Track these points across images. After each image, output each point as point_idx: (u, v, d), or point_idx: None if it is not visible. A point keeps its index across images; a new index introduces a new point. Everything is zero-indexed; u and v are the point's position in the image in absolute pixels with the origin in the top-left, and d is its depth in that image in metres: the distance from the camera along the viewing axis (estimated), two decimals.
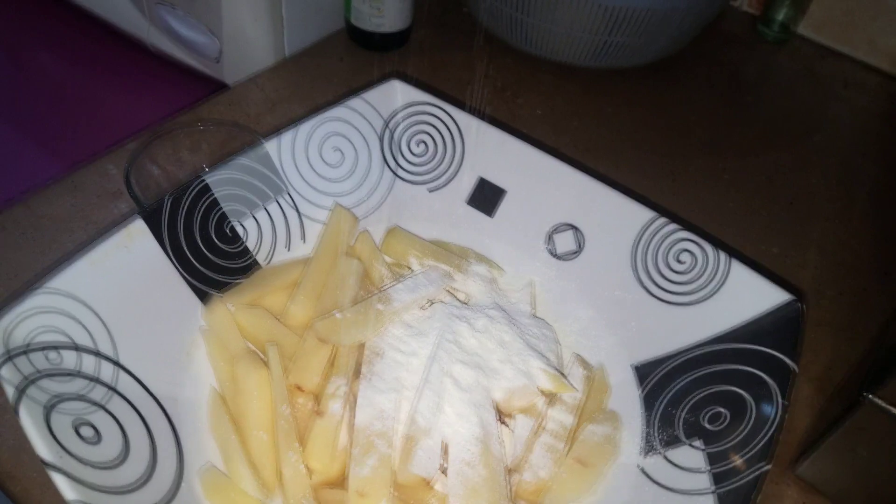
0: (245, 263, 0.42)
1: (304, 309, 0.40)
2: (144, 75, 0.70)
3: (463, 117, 0.46)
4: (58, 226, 0.48)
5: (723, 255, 0.39)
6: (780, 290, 0.37)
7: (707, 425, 0.35)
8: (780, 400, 0.33)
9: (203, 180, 0.39)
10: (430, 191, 0.48)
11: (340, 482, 0.35)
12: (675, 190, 0.57)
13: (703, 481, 0.33)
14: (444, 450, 0.35)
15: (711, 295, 0.39)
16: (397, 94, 0.47)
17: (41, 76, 0.71)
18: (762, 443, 0.32)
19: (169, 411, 0.34)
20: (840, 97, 0.71)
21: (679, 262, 0.40)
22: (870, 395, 0.34)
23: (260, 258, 0.43)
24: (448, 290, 0.43)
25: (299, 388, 0.37)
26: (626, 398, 0.39)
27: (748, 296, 0.38)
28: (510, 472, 0.36)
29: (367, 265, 0.43)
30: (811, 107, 0.69)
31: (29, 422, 0.29)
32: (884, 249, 0.55)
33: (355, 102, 0.45)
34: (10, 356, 0.30)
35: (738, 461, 0.32)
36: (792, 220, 0.57)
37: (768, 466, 0.31)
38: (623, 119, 0.64)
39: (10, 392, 0.29)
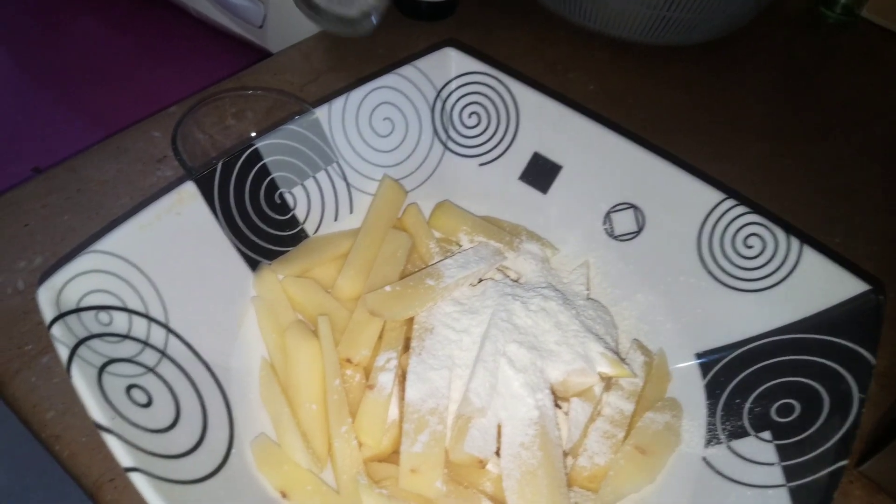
0: (293, 233, 0.41)
1: (353, 282, 0.39)
2: (187, 41, 0.69)
3: (520, 89, 0.44)
4: (103, 189, 0.47)
5: (795, 242, 0.37)
6: (857, 279, 0.35)
7: (776, 417, 0.33)
8: (857, 394, 0.31)
9: (254, 146, 0.38)
10: (481, 165, 0.46)
11: (389, 457, 0.35)
12: (731, 175, 0.55)
13: (775, 475, 0.31)
14: (498, 431, 0.34)
15: (781, 282, 0.37)
16: (451, 62, 0.45)
17: (83, 42, 0.71)
18: (840, 437, 0.30)
19: (220, 378, 0.33)
20: None
21: (747, 246, 0.38)
22: None
23: (308, 228, 0.41)
24: (499, 269, 0.42)
25: (349, 361, 0.36)
26: (689, 386, 0.37)
27: (821, 285, 0.36)
28: (565, 456, 0.35)
29: (415, 239, 0.42)
30: (874, 93, 0.66)
31: (82, 383, 0.28)
32: None
33: (407, 70, 0.44)
34: (62, 315, 0.29)
35: (813, 456, 0.30)
36: (854, 211, 0.54)
37: (846, 462, 0.29)
38: (678, 100, 0.61)
39: (62, 352, 0.29)
